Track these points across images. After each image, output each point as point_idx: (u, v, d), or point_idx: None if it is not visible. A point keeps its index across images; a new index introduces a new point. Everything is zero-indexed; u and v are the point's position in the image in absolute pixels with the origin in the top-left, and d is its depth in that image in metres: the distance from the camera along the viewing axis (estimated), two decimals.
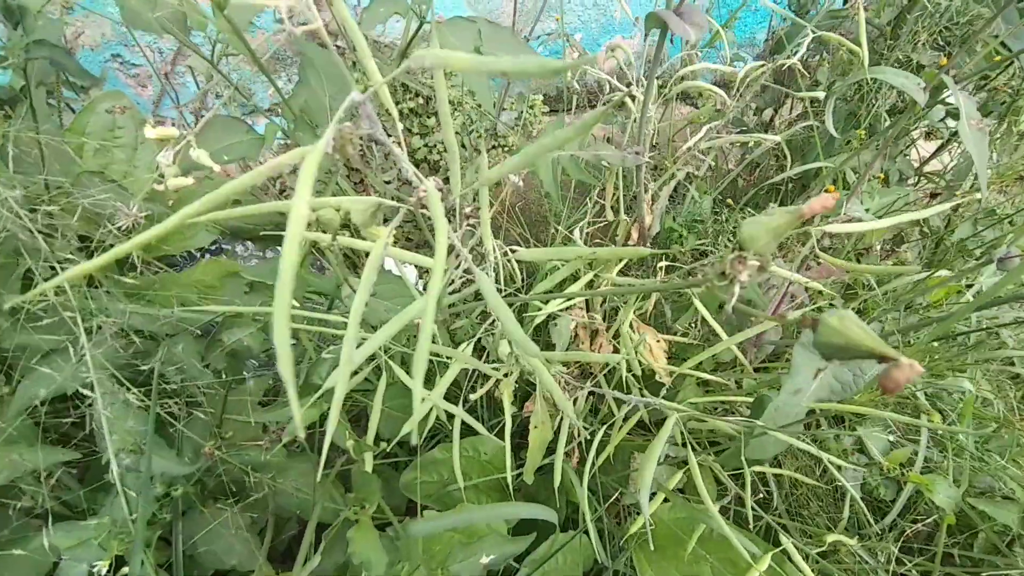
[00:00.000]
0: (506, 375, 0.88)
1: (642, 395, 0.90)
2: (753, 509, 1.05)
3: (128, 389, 0.51)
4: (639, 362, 0.76)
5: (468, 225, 0.38)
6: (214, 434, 0.63)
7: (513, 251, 0.44)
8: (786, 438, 0.50)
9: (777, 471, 0.64)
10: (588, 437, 1.04)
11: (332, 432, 0.24)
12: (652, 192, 0.81)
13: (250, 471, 0.56)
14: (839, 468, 0.58)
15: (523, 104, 2.19)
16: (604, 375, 1.00)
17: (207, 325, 0.63)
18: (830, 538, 0.57)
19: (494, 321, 0.89)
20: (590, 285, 0.91)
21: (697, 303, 0.68)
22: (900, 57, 1.08)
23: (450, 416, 0.74)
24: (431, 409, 0.53)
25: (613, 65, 0.95)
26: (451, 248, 0.38)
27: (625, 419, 0.85)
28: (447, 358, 0.51)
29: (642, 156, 0.64)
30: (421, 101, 2.16)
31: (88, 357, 0.46)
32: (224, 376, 0.62)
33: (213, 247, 1.25)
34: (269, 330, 0.54)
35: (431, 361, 0.90)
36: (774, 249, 0.20)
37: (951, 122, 1.11)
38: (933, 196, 1.02)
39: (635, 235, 0.86)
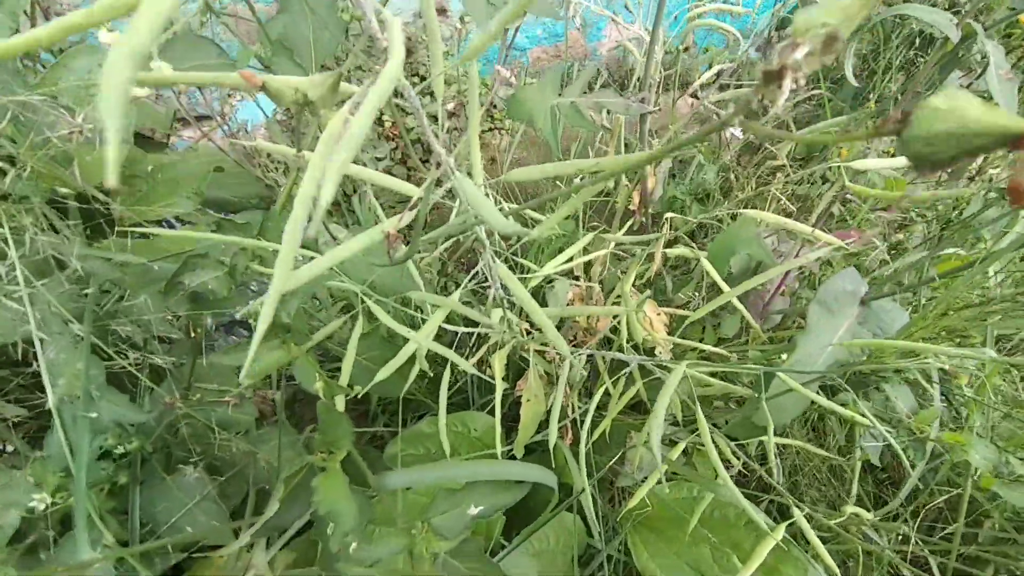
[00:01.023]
0: (498, 345, 0.83)
1: (641, 364, 0.85)
2: (756, 491, 1.01)
3: (77, 332, 0.46)
4: (639, 332, 0.72)
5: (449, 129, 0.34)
6: (182, 393, 0.58)
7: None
8: (807, 393, 0.45)
9: (785, 440, 0.60)
10: (582, 415, 1.00)
11: (261, 333, 0.19)
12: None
13: (216, 429, 0.51)
14: (862, 428, 0.54)
15: (522, 81, 2.15)
16: (601, 348, 0.96)
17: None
18: (849, 509, 0.53)
19: (486, 292, 0.84)
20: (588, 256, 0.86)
21: (704, 263, 0.64)
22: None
23: (437, 388, 0.70)
24: (413, 359, 0.48)
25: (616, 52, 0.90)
26: (430, 153, 0.34)
27: (621, 394, 0.80)
28: (432, 307, 0.46)
29: (647, 104, 0.59)
30: (417, 80, 2.10)
31: (22, 280, 0.41)
32: (191, 331, 0.57)
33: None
34: (236, 273, 0.49)
35: (415, 318, 0.85)
36: (845, 35, 0.15)
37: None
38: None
39: (636, 199, 0.82)
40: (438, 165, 0.33)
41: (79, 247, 0.52)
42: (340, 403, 0.41)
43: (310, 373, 0.39)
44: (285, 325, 0.40)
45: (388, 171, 2.02)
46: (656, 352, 0.87)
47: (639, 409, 1.25)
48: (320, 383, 0.38)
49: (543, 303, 1.23)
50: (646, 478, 0.96)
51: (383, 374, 0.40)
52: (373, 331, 0.51)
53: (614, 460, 0.84)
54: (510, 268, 1.08)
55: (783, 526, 0.51)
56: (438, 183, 0.32)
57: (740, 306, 0.61)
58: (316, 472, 0.32)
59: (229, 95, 2.16)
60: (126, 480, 0.53)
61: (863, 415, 0.47)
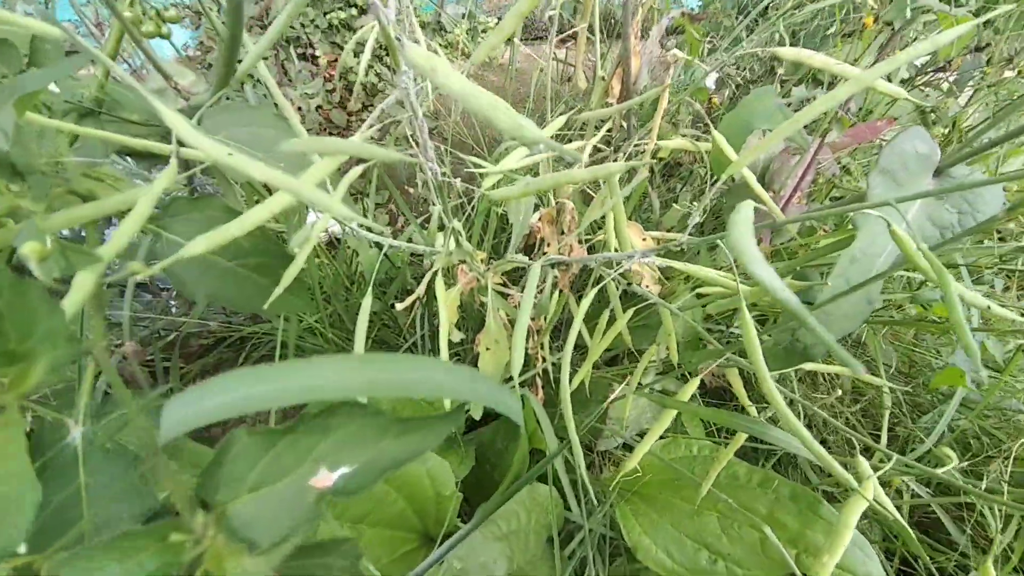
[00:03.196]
0: (444, 278, 0.66)
1: (627, 294, 0.70)
2: (765, 443, 0.89)
3: None
4: (627, 239, 0.56)
5: None
6: None
7: None
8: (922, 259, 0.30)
9: (832, 368, 0.45)
10: (555, 366, 0.84)
11: None
12: (639, 17, 0.60)
13: None
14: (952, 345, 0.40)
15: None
16: (575, 282, 0.80)
17: None
18: (946, 451, 0.39)
19: (428, 219, 0.67)
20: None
21: (716, 137, 0.48)
22: None
23: (382, 347, 0.51)
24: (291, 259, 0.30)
25: None
26: (373, 96, 0.16)
27: (604, 333, 0.65)
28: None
29: None
30: (355, 12, 1.85)
31: None
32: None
33: None
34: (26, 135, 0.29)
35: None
36: None
37: None
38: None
39: (616, 90, 0.65)
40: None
41: None
42: (83, 284, 0.22)
43: (32, 231, 0.20)
44: None
45: (326, 115, 1.77)
46: (643, 285, 0.71)
47: (614, 364, 1.11)
48: (33, 244, 0.20)
49: (504, 222, 1.05)
50: (635, 438, 0.82)
51: (196, 247, 0.22)
52: (207, 201, 0.32)
53: (594, 417, 0.68)
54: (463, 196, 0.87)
55: (871, 480, 0.37)
56: None
57: (759, 188, 0.45)
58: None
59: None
60: None
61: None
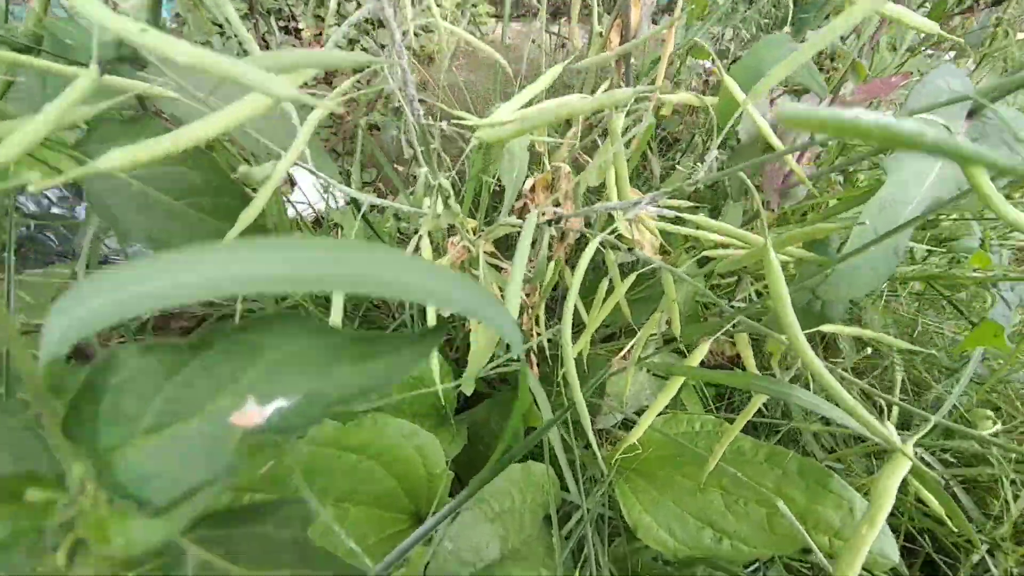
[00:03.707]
0: (434, 254, 0.62)
1: (624, 269, 0.67)
2: (771, 418, 0.86)
3: None
4: (628, 189, 0.52)
5: None
6: None
7: None
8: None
9: (848, 330, 0.42)
10: (550, 338, 0.81)
11: None
12: None
13: None
14: (990, 295, 0.37)
15: None
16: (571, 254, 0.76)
17: None
18: (981, 414, 0.36)
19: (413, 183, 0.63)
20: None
21: (726, 80, 0.44)
22: None
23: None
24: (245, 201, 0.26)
25: None
26: None
27: (603, 301, 0.62)
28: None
29: None
30: None
31: None
32: None
33: None
34: None
35: None
36: None
37: None
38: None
39: (615, 43, 0.61)
40: None
41: None
42: None
43: None
44: None
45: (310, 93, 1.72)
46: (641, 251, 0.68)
47: (611, 340, 1.08)
48: None
49: (496, 200, 1.02)
50: (634, 416, 0.79)
51: (112, 160, 0.17)
52: (144, 123, 0.28)
53: (591, 387, 0.65)
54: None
55: (912, 441, 0.34)
56: None
57: (773, 136, 0.41)
58: None
59: None
60: None
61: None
